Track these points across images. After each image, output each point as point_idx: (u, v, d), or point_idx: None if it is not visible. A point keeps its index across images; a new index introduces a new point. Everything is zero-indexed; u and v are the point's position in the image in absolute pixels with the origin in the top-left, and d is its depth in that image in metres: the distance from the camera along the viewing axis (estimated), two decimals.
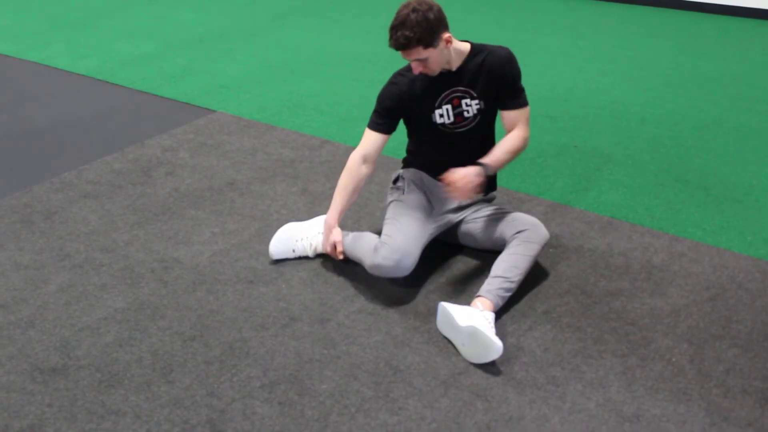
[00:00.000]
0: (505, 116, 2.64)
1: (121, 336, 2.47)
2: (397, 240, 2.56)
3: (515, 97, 2.61)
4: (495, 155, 2.58)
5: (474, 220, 2.75)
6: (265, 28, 6.04)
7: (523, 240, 2.58)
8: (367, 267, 2.59)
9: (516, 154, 2.63)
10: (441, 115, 2.62)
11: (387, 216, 2.71)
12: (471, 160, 2.62)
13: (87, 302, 2.64)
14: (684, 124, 4.01)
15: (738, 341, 2.37)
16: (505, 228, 2.65)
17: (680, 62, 5.00)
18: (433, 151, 2.70)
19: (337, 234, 2.68)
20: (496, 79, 2.57)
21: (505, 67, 2.57)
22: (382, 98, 2.64)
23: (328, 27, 6.04)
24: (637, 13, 6.27)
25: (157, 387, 2.25)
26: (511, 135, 2.63)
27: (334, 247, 2.68)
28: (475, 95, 2.59)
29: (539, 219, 2.71)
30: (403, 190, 2.75)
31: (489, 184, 2.81)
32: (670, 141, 3.81)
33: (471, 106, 2.60)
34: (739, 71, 4.80)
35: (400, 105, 2.62)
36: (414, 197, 2.71)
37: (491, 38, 5.40)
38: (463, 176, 2.45)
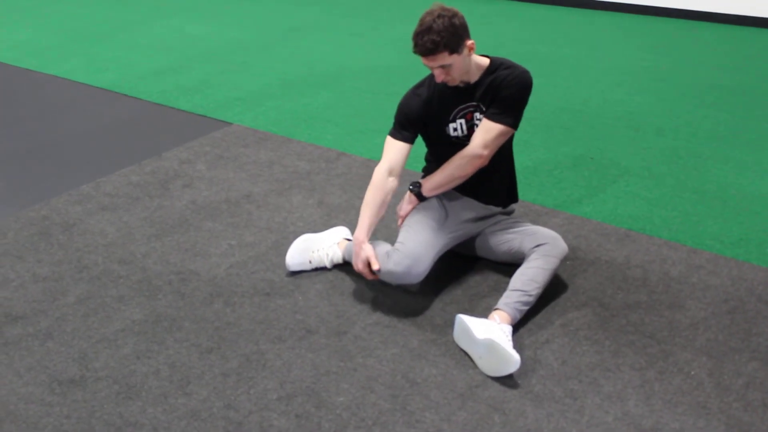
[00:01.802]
0: (480, 124, 2.60)
1: (138, 348, 2.48)
2: (409, 246, 2.56)
3: (496, 110, 2.54)
4: (431, 177, 2.71)
5: (492, 233, 2.75)
6: (281, 41, 6.07)
7: (542, 254, 2.57)
8: (380, 274, 2.58)
9: (455, 171, 2.62)
10: (455, 129, 2.62)
11: (403, 225, 2.71)
12: (486, 172, 2.63)
13: (105, 314, 2.66)
14: (701, 135, 4.00)
15: (758, 354, 2.35)
16: (524, 241, 2.64)
17: (697, 73, 4.98)
18: None
19: (368, 249, 2.56)
20: (497, 92, 2.53)
21: (509, 82, 2.51)
22: (401, 110, 2.64)
23: (343, 40, 6.06)
24: (653, 24, 6.25)
25: (174, 399, 2.25)
26: (459, 152, 2.61)
27: (367, 265, 2.58)
28: (483, 110, 2.59)
29: (556, 231, 2.70)
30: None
31: (508, 195, 2.81)
32: (687, 152, 3.79)
33: (480, 120, 2.60)
34: (757, 82, 4.78)
35: (419, 115, 2.63)
36: (430, 207, 2.71)
37: (506, 50, 5.42)
38: (403, 209, 2.76)
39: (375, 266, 2.54)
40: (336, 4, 7.28)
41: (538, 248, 2.58)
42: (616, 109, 4.39)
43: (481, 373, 2.31)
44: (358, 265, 2.59)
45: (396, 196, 2.85)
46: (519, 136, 3.96)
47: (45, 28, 6.71)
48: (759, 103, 4.41)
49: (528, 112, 4.22)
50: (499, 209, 2.78)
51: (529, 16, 6.64)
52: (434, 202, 2.73)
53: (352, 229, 3.01)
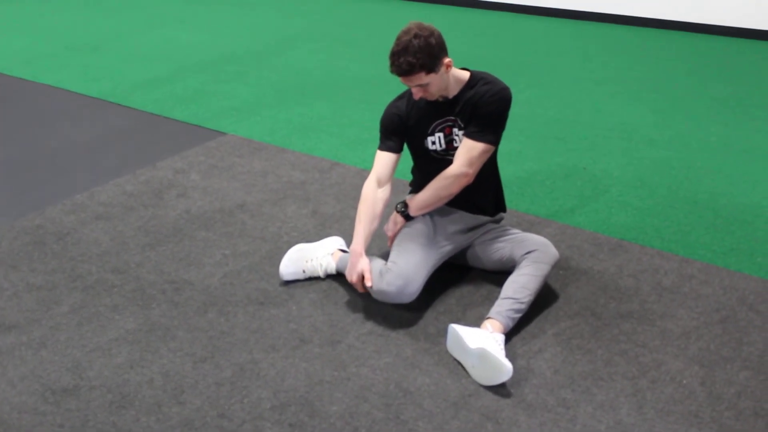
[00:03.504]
0: (461, 143, 2.60)
1: (132, 357, 2.48)
2: (401, 266, 2.57)
3: (477, 128, 2.55)
4: (417, 196, 2.70)
5: (483, 242, 2.76)
6: (276, 51, 6.09)
7: (532, 260, 2.58)
8: (372, 292, 2.60)
9: (441, 191, 2.63)
10: (433, 142, 2.64)
11: (394, 243, 2.72)
12: (473, 186, 2.64)
13: (99, 323, 2.66)
14: (693, 145, 4.02)
15: (749, 363, 2.36)
16: (514, 249, 2.66)
17: (689, 83, 5.01)
18: (431, 175, 2.68)
19: (365, 263, 2.59)
20: (476, 108, 2.54)
21: (488, 99, 2.52)
22: (383, 122, 2.69)
23: (338, 49, 6.08)
24: (645, 34, 6.29)
25: (167, 408, 2.25)
26: (443, 172, 2.61)
27: (361, 278, 2.59)
28: (462, 125, 2.60)
29: (548, 240, 2.71)
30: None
31: (496, 207, 2.82)
32: (679, 162, 3.81)
33: (458, 136, 2.61)
34: (748, 92, 4.81)
35: (399, 127, 2.65)
36: (420, 225, 2.71)
37: (500, 61, 5.45)
38: (390, 229, 2.76)
39: (368, 283, 2.57)
40: (330, 14, 7.31)
41: (529, 255, 2.60)
42: (608, 119, 4.41)
43: (474, 382, 2.31)
44: (353, 278, 2.61)
45: (391, 207, 2.86)
46: (512, 146, 3.98)
47: (39, 38, 6.72)
48: (750, 114, 4.44)
49: (521, 122, 4.26)
50: (487, 218, 2.80)
51: (523, 27, 6.67)
52: (423, 218, 2.73)
53: (347, 239, 3.02)
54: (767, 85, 4.96)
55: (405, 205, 2.72)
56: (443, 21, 6.79)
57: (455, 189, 2.62)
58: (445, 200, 2.67)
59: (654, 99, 4.73)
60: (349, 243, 2.99)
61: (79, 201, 3.57)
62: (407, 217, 2.72)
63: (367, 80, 5.23)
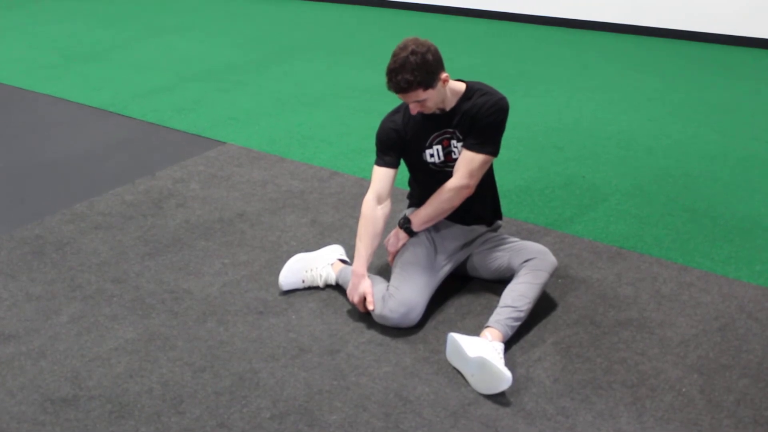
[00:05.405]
0: (461, 155, 2.61)
1: (131, 367, 2.48)
2: (405, 293, 2.57)
3: (477, 140, 2.55)
4: (419, 212, 2.69)
5: (481, 252, 2.76)
6: (275, 61, 6.10)
7: (531, 268, 2.58)
8: (374, 315, 2.60)
9: (443, 204, 2.63)
10: (431, 155, 2.64)
11: (395, 265, 2.71)
12: (471, 197, 2.64)
13: (98, 333, 2.66)
14: (691, 153, 4.03)
15: (748, 371, 2.37)
16: (512, 257, 2.66)
17: (687, 92, 5.02)
18: (430, 188, 2.69)
19: (367, 286, 2.60)
20: (474, 120, 2.55)
21: (487, 110, 2.53)
22: (379, 137, 2.67)
23: (336, 59, 6.10)
24: (643, 43, 6.31)
25: (167, 418, 2.25)
26: (444, 185, 2.62)
27: (363, 300, 2.61)
28: (460, 137, 2.60)
29: (547, 248, 2.72)
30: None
31: (493, 214, 2.83)
32: (678, 171, 3.82)
33: (457, 147, 2.61)
34: (746, 101, 4.82)
35: (397, 142, 2.64)
36: (419, 244, 2.70)
37: (498, 70, 5.46)
38: (392, 244, 2.74)
39: (370, 306, 2.58)
40: (329, 23, 7.33)
41: (527, 263, 2.60)
42: (606, 128, 4.42)
43: (474, 391, 2.31)
44: (354, 299, 2.63)
45: (392, 221, 2.86)
46: (510, 155, 3.99)
47: (39, 47, 6.74)
48: (748, 122, 4.45)
49: (519, 131, 4.27)
50: (484, 228, 2.80)
51: (520, 36, 6.69)
52: (422, 237, 2.72)
53: (346, 248, 3.02)
54: (765, 92, 4.98)
55: (407, 220, 2.71)
56: (440, 30, 6.81)
57: (457, 201, 2.63)
58: (448, 213, 2.68)
59: (652, 107, 4.75)
60: (349, 252, 3.00)
61: (78, 211, 3.58)
62: (411, 233, 2.72)
63: (366, 89, 5.24)
